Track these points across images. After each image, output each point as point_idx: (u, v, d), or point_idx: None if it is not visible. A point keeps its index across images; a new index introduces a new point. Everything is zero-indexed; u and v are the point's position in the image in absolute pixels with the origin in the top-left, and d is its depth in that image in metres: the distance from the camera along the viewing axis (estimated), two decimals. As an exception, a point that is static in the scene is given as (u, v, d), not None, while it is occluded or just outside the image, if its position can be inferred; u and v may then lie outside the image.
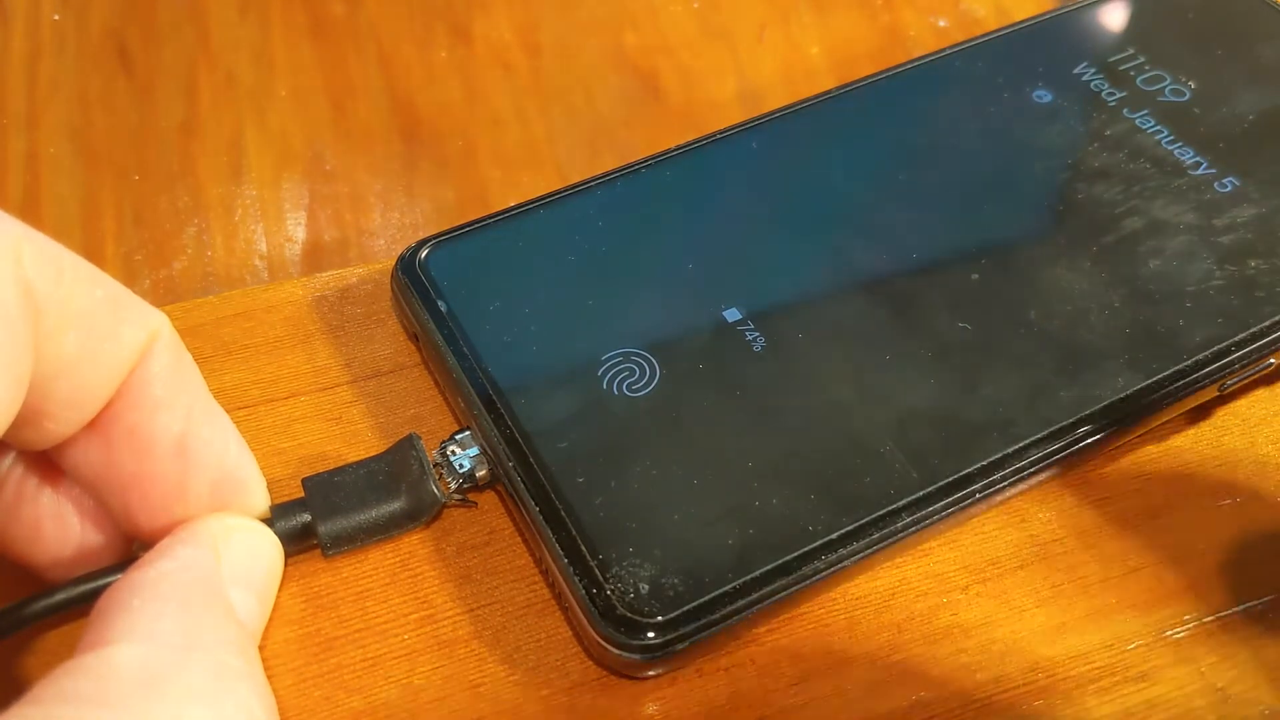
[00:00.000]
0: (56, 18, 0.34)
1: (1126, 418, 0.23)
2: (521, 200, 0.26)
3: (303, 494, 0.22)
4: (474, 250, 0.25)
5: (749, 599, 0.20)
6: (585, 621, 0.20)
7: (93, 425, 0.18)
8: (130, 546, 0.20)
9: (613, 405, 0.23)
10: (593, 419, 0.22)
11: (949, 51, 0.30)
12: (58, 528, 0.20)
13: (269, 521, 0.21)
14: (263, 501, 0.20)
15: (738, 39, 0.34)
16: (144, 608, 0.17)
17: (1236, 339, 0.24)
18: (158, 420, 0.19)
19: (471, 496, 0.23)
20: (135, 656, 0.16)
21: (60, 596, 0.19)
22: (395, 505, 0.22)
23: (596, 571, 0.20)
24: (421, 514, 0.22)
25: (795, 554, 0.21)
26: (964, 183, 0.27)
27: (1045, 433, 0.22)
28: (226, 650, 0.17)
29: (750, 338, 0.24)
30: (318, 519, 0.21)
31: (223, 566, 0.19)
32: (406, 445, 0.22)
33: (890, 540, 0.21)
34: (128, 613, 0.17)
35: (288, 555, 0.21)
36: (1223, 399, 0.25)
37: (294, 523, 0.21)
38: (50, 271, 0.17)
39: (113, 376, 0.18)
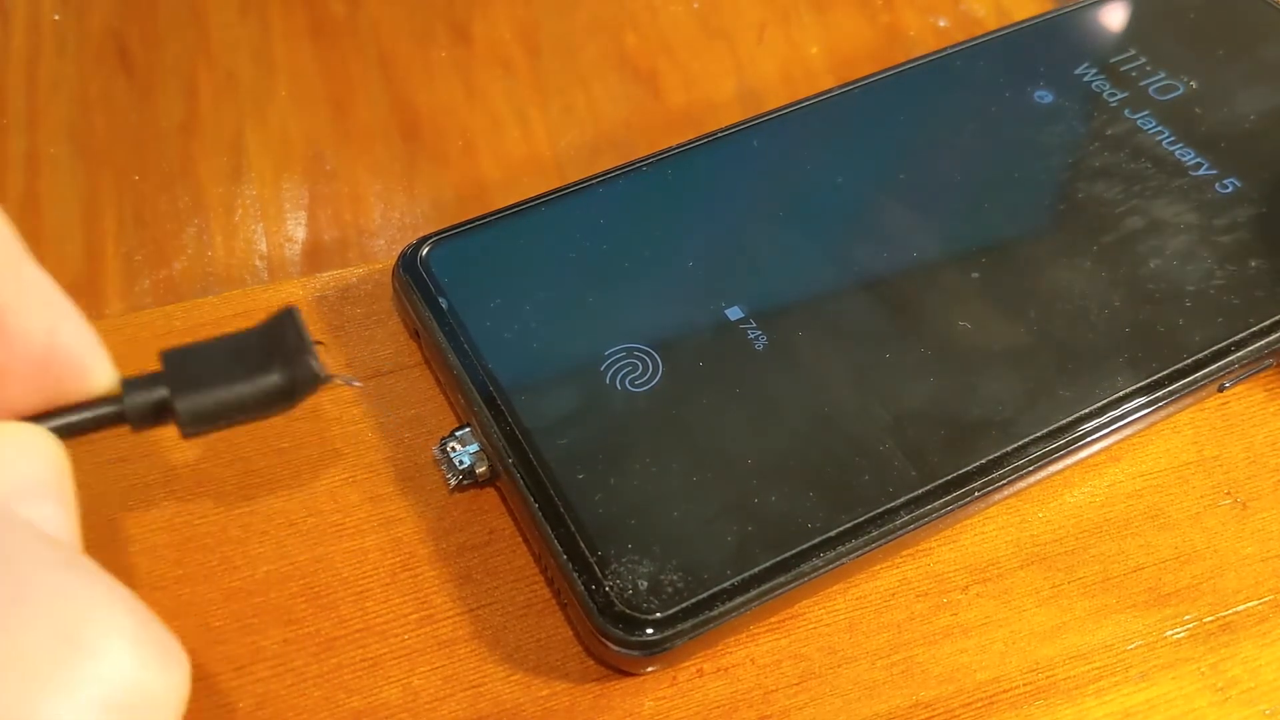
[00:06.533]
0: (56, 18, 0.34)
1: (1126, 417, 0.23)
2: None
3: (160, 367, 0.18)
4: (476, 247, 0.25)
5: (748, 596, 0.20)
6: (584, 618, 0.20)
7: None
8: None
9: (612, 403, 0.23)
10: (591, 416, 0.22)
11: (949, 51, 0.30)
12: None
13: (119, 398, 0.18)
14: (106, 380, 0.17)
15: (738, 39, 0.34)
16: None
17: (1236, 339, 0.24)
18: None
19: (471, 495, 0.23)
20: None
21: None
22: (268, 380, 0.18)
23: (595, 568, 0.20)
24: (297, 392, 0.18)
25: (794, 551, 0.21)
26: (965, 183, 0.27)
27: (1045, 432, 0.22)
28: (49, 569, 0.14)
29: (752, 336, 0.24)
30: (175, 393, 0.18)
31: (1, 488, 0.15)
32: (285, 317, 0.19)
33: (889, 538, 0.21)
34: None
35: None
36: (1222, 399, 0.25)
37: (148, 398, 0.18)
38: None
39: None
